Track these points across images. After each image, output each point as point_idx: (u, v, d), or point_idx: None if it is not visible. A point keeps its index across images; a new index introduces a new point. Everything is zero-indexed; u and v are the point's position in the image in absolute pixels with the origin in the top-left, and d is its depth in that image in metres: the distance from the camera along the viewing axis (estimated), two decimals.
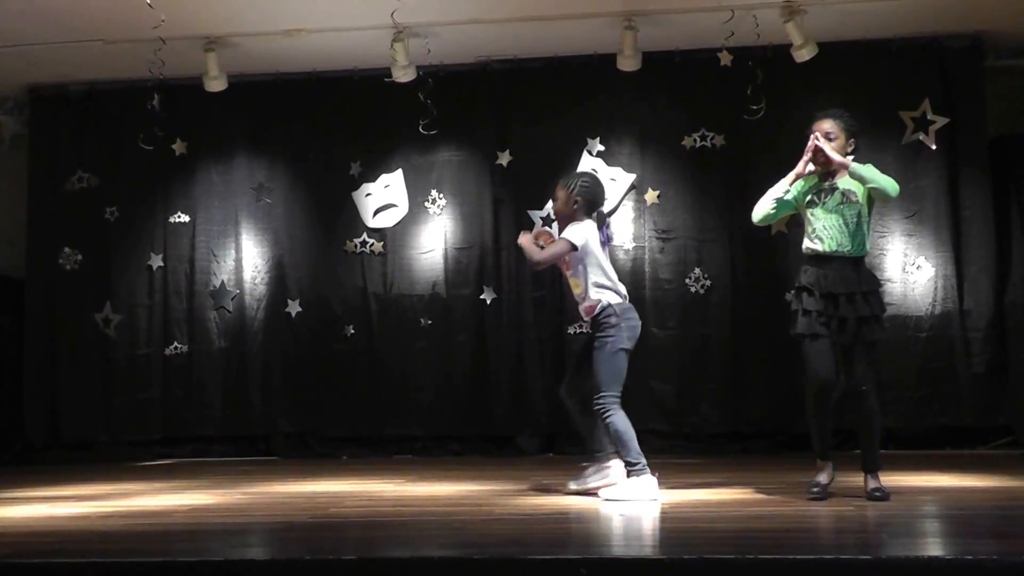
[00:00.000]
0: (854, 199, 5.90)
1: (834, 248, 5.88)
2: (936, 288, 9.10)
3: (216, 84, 9.30)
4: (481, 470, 7.78)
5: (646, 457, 6.06)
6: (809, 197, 6.01)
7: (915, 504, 5.86)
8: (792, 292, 6.08)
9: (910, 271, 9.15)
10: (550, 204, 6.17)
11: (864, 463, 5.97)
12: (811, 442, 6.13)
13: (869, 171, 5.85)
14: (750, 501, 5.91)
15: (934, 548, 4.56)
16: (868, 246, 5.99)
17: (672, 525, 5.14)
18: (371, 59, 9.24)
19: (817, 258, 5.93)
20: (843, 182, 5.95)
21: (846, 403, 5.97)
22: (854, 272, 5.89)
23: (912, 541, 4.76)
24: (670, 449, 9.05)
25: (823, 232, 5.92)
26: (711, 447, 9.14)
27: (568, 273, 6.37)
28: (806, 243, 6.02)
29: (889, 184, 5.84)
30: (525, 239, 6.35)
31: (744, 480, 6.89)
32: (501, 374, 9.49)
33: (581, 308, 6.32)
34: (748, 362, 9.25)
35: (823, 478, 6.01)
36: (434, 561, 4.30)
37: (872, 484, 5.90)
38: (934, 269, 9.11)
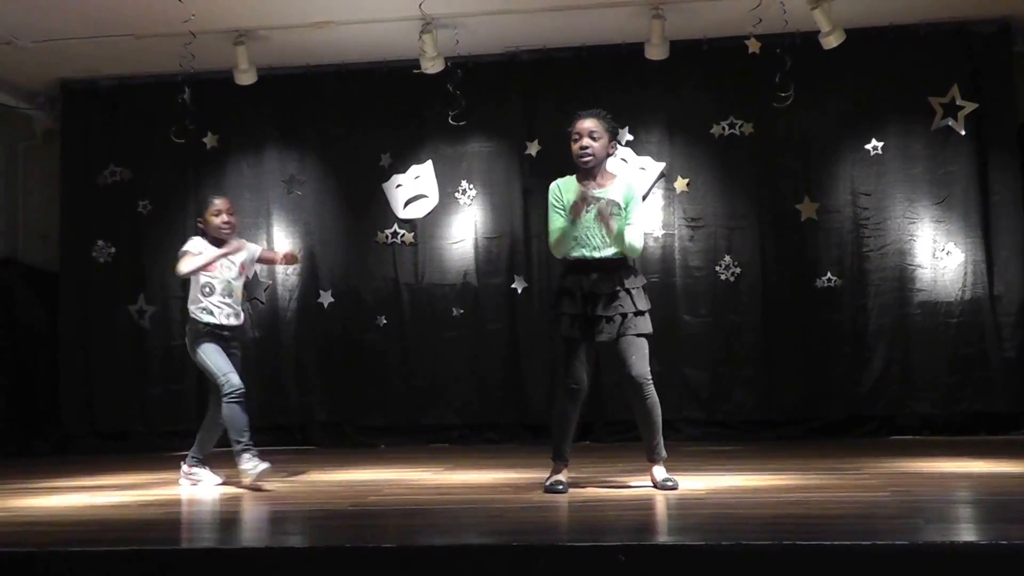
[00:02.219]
0: (617, 211, 5.88)
1: (597, 255, 5.87)
2: (966, 274, 9.08)
3: (246, 77, 9.36)
4: (518, 458, 7.80)
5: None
6: (572, 207, 5.92)
7: (949, 490, 5.88)
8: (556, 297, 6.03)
9: (940, 257, 9.13)
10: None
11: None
12: (555, 443, 6.07)
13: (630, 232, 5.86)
14: (785, 487, 5.93)
15: (969, 533, 4.57)
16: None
17: (708, 511, 5.16)
18: (400, 51, 9.27)
19: (580, 263, 5.91)
20: (604, 192, 5.92)
21: (627, 394, 5.98)
22: (615, 272, 5.87)
23: (947, 526, 4.77)
24: (704, 436, 9.09)
25: (585, 239, 5.89)
26: (745, 434, 9.16)
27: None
28: (564, 248, 5.96)
29: (632, 244, 5.87)
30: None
31: (779, 467, 6.91)
32: (534, 362, 9.52)
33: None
34: (780, 348, 9.26)
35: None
36: (473, 548, 4.34)
37: (661, 474, 5.91)
38: (964, 255, 9.09)
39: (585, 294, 5.84)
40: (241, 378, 6.80)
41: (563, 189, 6.04)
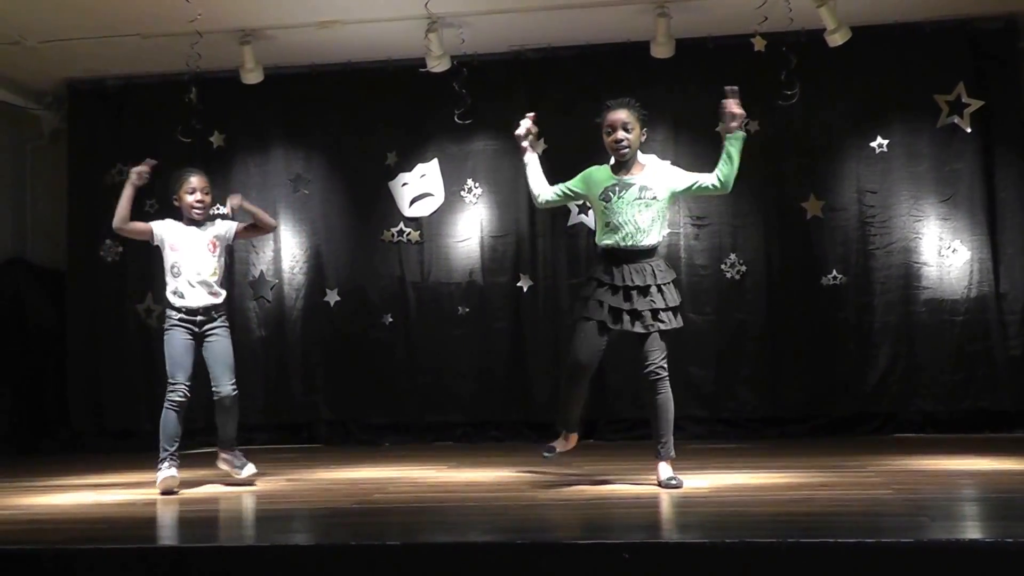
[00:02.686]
0: (649, 196, 5.88)
1: (629, 243, 5.88)
2: (972, 271, 9.07)
3: (252, 76, 9.38)
4: (522, 456, 7.80)
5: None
6: (603, 192, 5.97)
7: (954, 487, 5.88)
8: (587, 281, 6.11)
9: (945, 255, 9.12)
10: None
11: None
12: (560, 413, 6.32)
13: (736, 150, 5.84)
14: (790, 485, 5.95)
15: (974, 531, 4.58)
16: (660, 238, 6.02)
17: (713, 509, 5.17)
18: (406, 49, 9.29)
19: (611, 252, 5.93)
20: (639, 178, 5.93)
21: (642, 390, 6.04)
22: (648, 264, 5.89)
23: (952, 524, 4.78)
24: (708, 434, 9.10)
25: (618, 226, 5.89)
26: (749, 432, 9.16)
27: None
28: (599, 237, 6.03)
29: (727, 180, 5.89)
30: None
31: (783, 464, 6.92)
32: (539, 361, 9.53)
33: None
34: (785, 346, 9.26)
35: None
36: (477, 546, 4.36)
37: (666, 473, 5.91)
38: (969, 252, 9.09)
39: (618, 285, 5.86)
40: (235, 361, 6.57)
41: (591, 182, 6.06)
